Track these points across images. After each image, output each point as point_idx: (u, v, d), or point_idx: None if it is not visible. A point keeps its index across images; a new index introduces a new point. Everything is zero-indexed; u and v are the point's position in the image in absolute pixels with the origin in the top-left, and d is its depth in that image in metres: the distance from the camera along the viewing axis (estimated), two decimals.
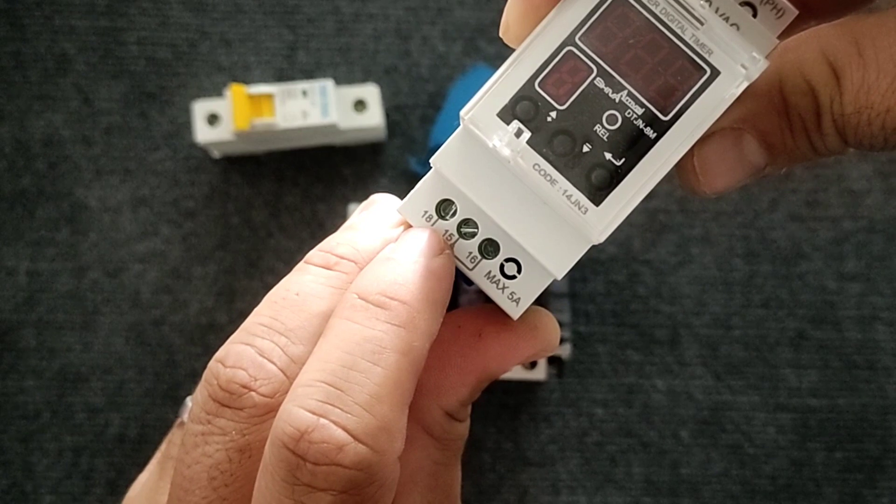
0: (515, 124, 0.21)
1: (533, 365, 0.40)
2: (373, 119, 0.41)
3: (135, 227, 0.43)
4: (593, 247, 0.21)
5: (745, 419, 0.42)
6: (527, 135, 0.21)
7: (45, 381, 0.42)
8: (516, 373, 0.40)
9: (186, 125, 0.43)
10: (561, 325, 0.38)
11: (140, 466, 0.41)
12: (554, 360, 0.40)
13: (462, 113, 0.21)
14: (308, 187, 0.43)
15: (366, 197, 0.44)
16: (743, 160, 0.21)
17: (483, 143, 0.21)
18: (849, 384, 0.42)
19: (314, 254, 0.23)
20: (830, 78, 0.20)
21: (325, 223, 0.43)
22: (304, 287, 0.22)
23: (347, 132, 0.41)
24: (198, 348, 0.42)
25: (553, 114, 0.21)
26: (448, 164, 0.21)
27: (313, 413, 0.19)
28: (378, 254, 0.22)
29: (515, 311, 0.22)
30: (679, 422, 0.42)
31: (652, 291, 0.42)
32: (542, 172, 0.21)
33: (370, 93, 0.41)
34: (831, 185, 0.43)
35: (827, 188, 0.43)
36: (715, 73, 0.20)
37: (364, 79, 0.43)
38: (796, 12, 0.20)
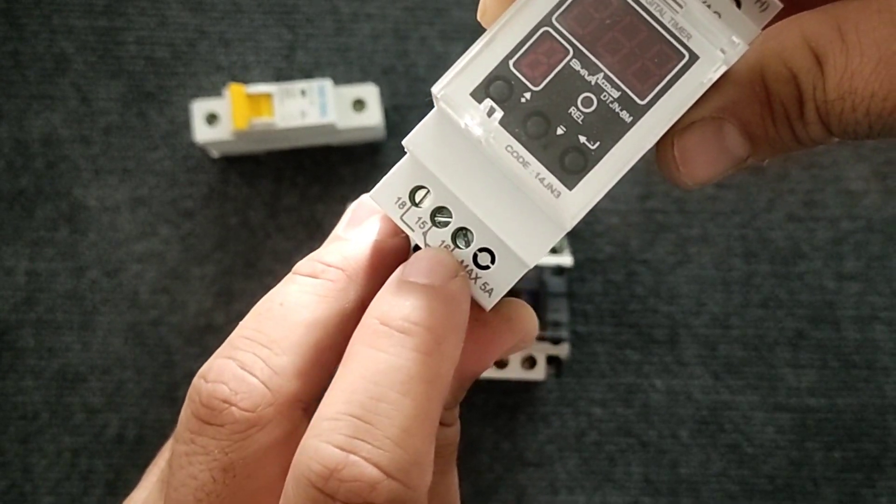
0: (488, 103, 0.20)
1: (532, 365, 0.40)
2: (371, 119, 0.41)
3: (133, 227, 0.43)
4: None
5: (743, 419, 0.42)
6: (499, 114, 0.20)
7: (43, 382, 0.42)
8: (515, 373, 0.40)
9: (185, 125, 0.43)
10: (559, 324, 0.39)
11: (139, 468, 0.41)
12: (552, 360, 0.40)
13: (434, 90, 0.21)
14: (306, 187, 0.43)
15: None
16: (724, 151, 0.21)
17: (455, 123, 0.20)
18: (847, 384, 0.42)
19: (301, 264, 0.22)
20: (813, 64, 0.19)
21: (323, 224, 0.43)
22: (288, 297, 0.21)
23: (346, 132, 0.41)
24: (196, 349, 0.42)
25: (527, 95, 0.20)
26: (420, 147, 0.21)
27: (342, 449, 0.18)
28: (366, 260, 0.22)
29: (487, 302, 0.21)
30: (678, 421, 0.42)
31: (650, 291, 0.42)
32: (515, 154, 0.20)
33: (369, 92, 0.41)
34: (829, 186, 0.43)
35: (824, 188, 0.43)
36: (693, 57, 0.20)
37: (362, 79, 0.43)
38: (780, 6, 0.20)
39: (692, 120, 0.20)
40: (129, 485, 0.42)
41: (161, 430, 0.41)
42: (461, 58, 0.20)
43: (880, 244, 0.42)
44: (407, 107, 0.43)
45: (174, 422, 0.45)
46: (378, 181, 0.22)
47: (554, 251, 0.39)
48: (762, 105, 0.20)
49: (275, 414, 0.20)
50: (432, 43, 0.43)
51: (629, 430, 0.42)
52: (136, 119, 0.43)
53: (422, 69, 0.43)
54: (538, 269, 0.38)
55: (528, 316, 0.23)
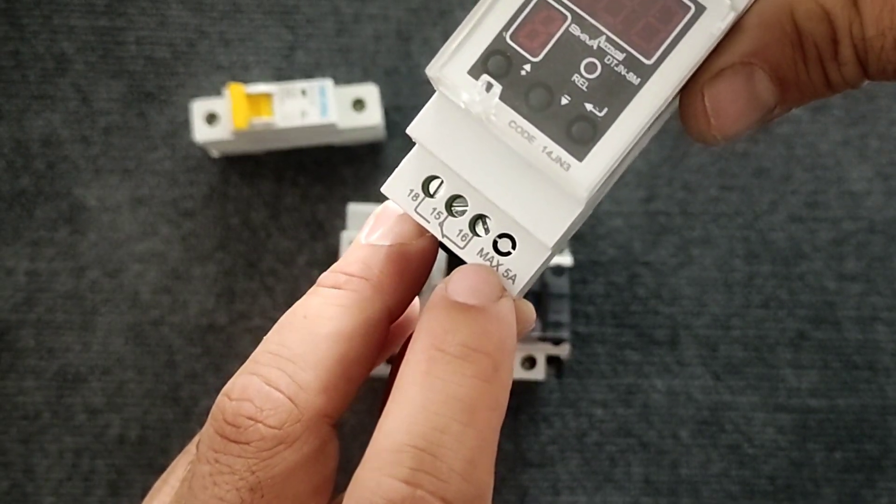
0: (485, 78, 0.19)
1: (532, 365, 0.40)
2: (372, 118, 0.41)
3: (134, 227, 0.42)
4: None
5: (744, 419, 0.42)
6: (497, 88, 0.19)
7: (44, 382, 0.42)
8: (515, 373, 0.40)
9: (185, 125, 0.43)
10: (560, 325, 0.39)
11: (141, 468, 0.41)
12: (553, 361, 0.40)
13: (429, 72, 0.20)
14: (307, 187, 0.43)
15: (365, 197, 0.43)
16: (755, 98, 0.19)
17: (455, 103, 0.20)
18: (848, 385, 0.42)
19: (325, 276, 0.22)
20: (847, 0, 0.18)
21: (324, 224, 0.42)
22: (311, 310, 0.21)
23: (346, 132, 0.41)
24: (197, 349, 0.42)
25: (527, 67, 0.19)
26: (425, 133, 0.20)
27: (407, 483, 0.17)
28: (391, 266, 0.21)
29: (512, 289, 0.20)
30: (678, 422, 0.42)
31: (652, 293, 0.42)
32: (519, 129, 0.19)
33: (369, 92, 0.41)
34: (831, 187, 0.43)
35: (827, 189, 0.43)
36: (700, 9, 0.19)
37: (364, 80, 0.43)
38: None
39: (720, 67, 0.19)
40: (132, 485, 0.42)
41: (163, 431, 0.41)
42: (454, 35, 0.20)
43: (882, 245, 0.42)
44: (410, 107, 0.43)
45: (176, 422, 0.45)
46: (378, 183, 0.21)
47: None
48: (793, 47, 0.19)
49: (302, 430, 0.19)
50: (435, 44, 0.43)
51: (630, 431, 0.42)
52: (136, 119, 0.43)
53: (424, 70, 0.43)
54: None
55: (521, 305, 0.22)
